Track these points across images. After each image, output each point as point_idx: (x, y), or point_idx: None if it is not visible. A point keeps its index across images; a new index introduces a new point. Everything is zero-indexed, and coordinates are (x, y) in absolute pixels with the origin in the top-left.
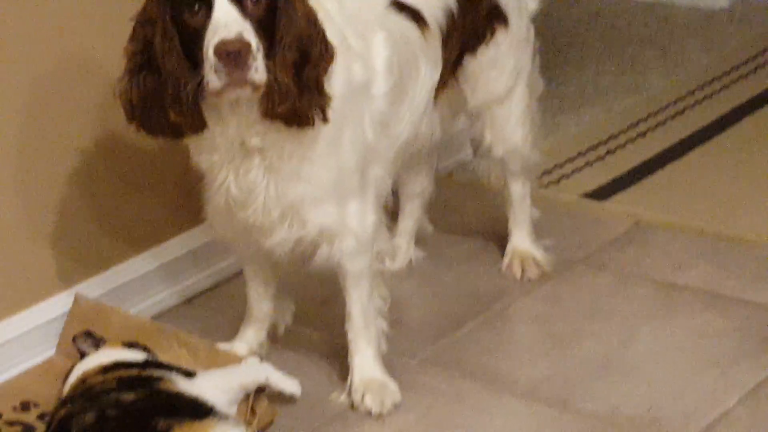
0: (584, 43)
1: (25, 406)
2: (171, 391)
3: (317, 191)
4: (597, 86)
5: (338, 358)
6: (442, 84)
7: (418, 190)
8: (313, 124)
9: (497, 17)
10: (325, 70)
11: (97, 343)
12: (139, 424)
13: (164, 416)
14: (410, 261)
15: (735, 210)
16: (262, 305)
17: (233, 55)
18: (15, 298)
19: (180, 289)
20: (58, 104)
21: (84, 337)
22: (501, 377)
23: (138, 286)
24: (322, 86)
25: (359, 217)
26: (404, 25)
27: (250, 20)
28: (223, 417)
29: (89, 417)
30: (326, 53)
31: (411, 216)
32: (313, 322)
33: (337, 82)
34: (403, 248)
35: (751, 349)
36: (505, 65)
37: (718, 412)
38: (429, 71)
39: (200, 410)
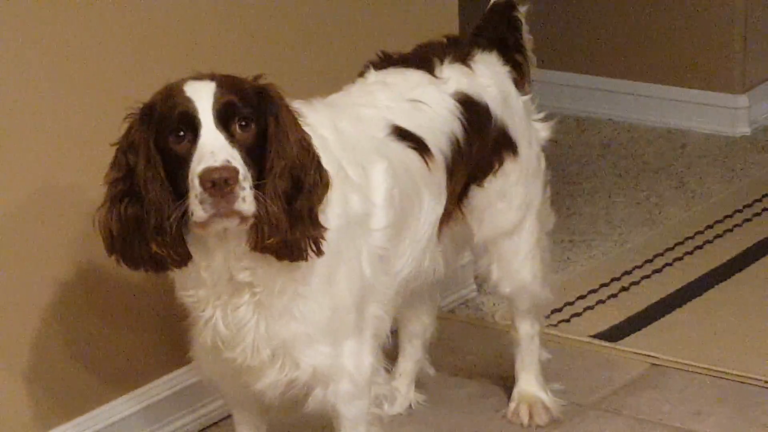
0: (596, 173)
1: None
2: None
3: (311, 330)
4: (610, 218)
5: None
6: (447, 217)
7: (419, 329)
8: (306, 258)
9: (506, 146)
10: (320, 200)
11: None
12: None
13: None
14: (410, 405)
15: (758, 351)
16: None
17: (220, 184)
18: None
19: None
20: (36, 233)
21: None
22: None
23: (119, 431)
24: (316, 217)
25: (356, 358)
26: (406, 154)
27: (239, 147)
28: None
29: None
30: (321, 182)
31: (411, 357)
32: None
33: (332, 213)
34: (403, 391)
35: None
36: (513, 197)
37: None
38: (432, 204)
39: None
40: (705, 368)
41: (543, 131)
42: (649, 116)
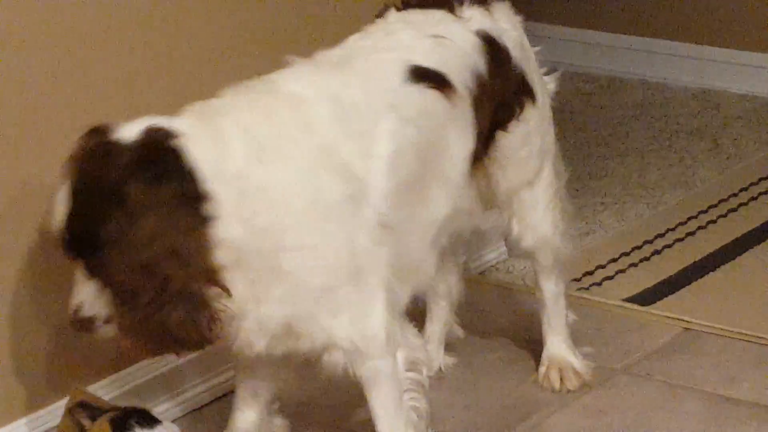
0: (629, 134)
1: None
2: None
3: (302, 312)
4: (642, 180)
5: None
6: (478, 159)
7: (444, 290)
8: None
9: (526, 92)
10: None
11: (94, 414)
12: None
13: None
14: (440, 368)
15: None
16: (246, 417)
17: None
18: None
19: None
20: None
21: (79, 408)
22: None
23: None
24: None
25: (357, 324)
26: (424, 97)
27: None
28: None
29: None
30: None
31: (439, 320)
32: None
33: (298, 205)
34: (432, 354)
35: None
36: (534, 143)
37: None
38: (461, 141)
39: None
40: (739, 333)
41: (551, 83)
42: (683, 76)
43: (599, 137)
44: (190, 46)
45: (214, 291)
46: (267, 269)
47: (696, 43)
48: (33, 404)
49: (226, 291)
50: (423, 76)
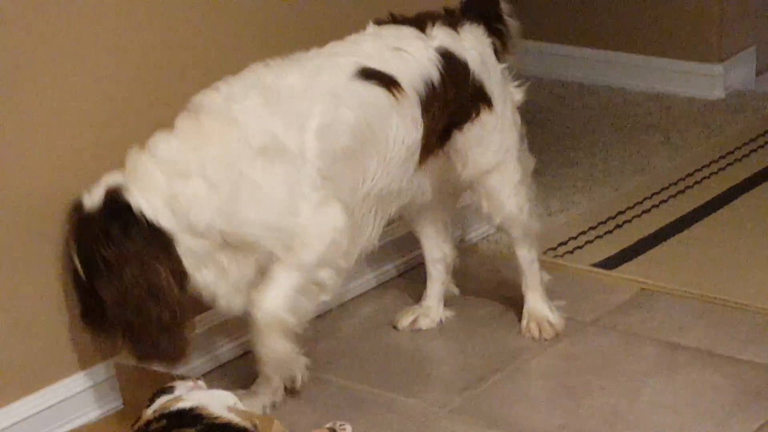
0: (595, 131)
1: None
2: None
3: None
4: (607, 168)
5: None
6: (430, 151)
7: (440, 256)
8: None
9: (482, 99)
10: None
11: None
12: None
13: None
14: (440, 320)
15: (731, 278)
16: None
17: None
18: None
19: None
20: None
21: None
22: (520, 426)
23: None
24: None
25: (316, 223)
26: (367, 90)
27: None
28: None
29: None
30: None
31: (437, 280)
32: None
33: (250, 147)
34: (434, 308)
35: (744, 403)
36: (490, 143)
37: None
38: (402, 130)
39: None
40: (686, 291)
41: (518, 94)
42: (640, 83)
43: (571, 133)
44: (192, 45)
45: (186, 314)
46: (230, 254)
47: (651, 55)
48: (84, 362)
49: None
50: (371, 75)
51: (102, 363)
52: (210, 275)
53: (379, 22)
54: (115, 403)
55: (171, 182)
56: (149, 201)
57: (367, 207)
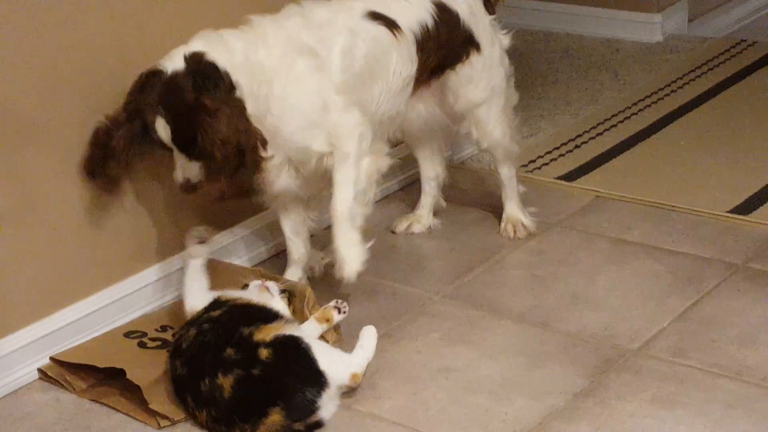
0: (558, 69)
1: (163, 329)
2: (244, 304)
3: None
4: (567, 100)
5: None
6: (424, 82)
7: (432, 174)
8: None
9: (471, 44)
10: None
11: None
12: (229, 332)
13: (245, 325)
14: (429, 227)
15: (668, 186)
16: (297, 248)
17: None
18: (159, 248)
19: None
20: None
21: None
22: (499, 307)
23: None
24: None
25: (342, 122)
26: (375, 28)
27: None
28: (289, 320)
29: (192, 332)
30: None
31: (429, 194)
32: None
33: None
34: (425, 216)
35: (679, 286)
36: (479, 81)
37: (655, 330)
38: (401, 64)
39: (267, 315)
40: (632, 197)
41: (505, 40)
42: (594, 30)
43: (539, 72)
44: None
45: (263, 153)
46: (273, 121)
47: (602, 7)
48: (161, 254)
49: (269, 157)
50: (377, 17)
51: (156, 264)
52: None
53: None
54: (168, 297)
55: (246, 52)
56: (228, 62)
57: (374, 119)
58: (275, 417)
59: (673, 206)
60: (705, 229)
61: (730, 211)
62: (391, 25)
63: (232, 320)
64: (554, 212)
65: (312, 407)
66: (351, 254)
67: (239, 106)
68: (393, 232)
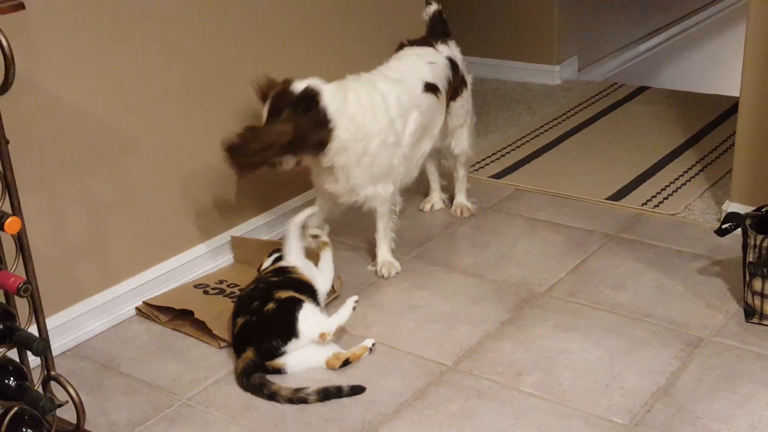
0: (489, 104)
1: (220, 282)
2: (295, 277)
3: (363, 182)
4: (497, 124)
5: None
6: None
7: (434, 172)
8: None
9: (464, 83)
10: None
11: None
12: (266, 293)
13: (280, 289)
14: (443, 202)
15: (566, 182)
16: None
17: None
18: (221, 223)
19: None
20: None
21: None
22: (450, 264)
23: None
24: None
25: (383, 190)
26: (429, 98)
27: None
28: (312, 292)
29: (251, 286)
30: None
31: (436, 182)
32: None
33: (378, 138)
34: (437, 198)
35: (572, 250)
36: (464, 107)
37: (556, 279)
38: (440, 116)
39: (303, 287)
40: (540, 190)
41: (470, 78)
42: (513, 76)
43: (476, 105)
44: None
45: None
46: (358, 159)
47: (519, 60)
48: (208, 234)
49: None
50: (429, 87)
51: (214, 237)
52: (342, 160)
53: (407, 44)
54: (220, 261)
55: (351, 103)
56: (334, 104)
57: (417, 164)
58: (249, 353)
59: (568, 195)
60: (590, 211)
61: (607, 198)
62: (435, 90)
63: (278, 285)
64: (487, 200)
65: (275, 352)
66: (387, 262)
67: (315, 129)
68: (421, 210)
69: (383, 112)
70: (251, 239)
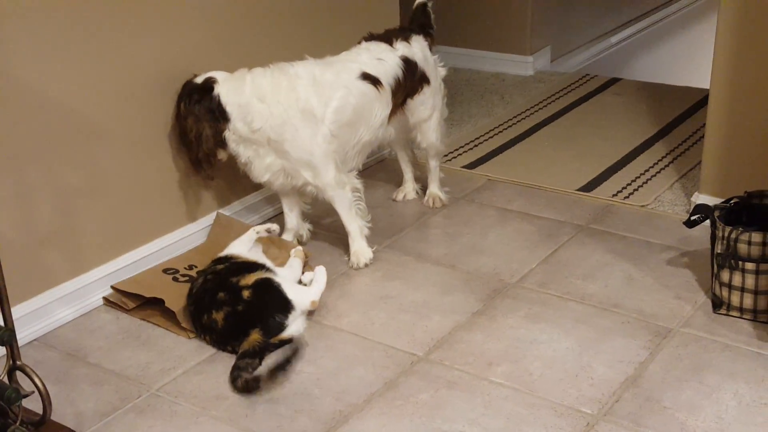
0: (462, 94)
1: (190, 267)
2: (241, 261)
3: (298, 166)
4: (469, 114)
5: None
6: (394, 113)
7: (407, 160)
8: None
9: (424, 80)
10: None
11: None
12: (223, 282)
13: (234, 275)
14: (417, 192)
15: (537, 173)
16: (290, 220)
17: None
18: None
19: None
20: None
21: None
22: (422, 254)
23: (253, 207)
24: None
25: (324, 174)
26: (365, 86)
27: None
28: (268, 269)
29: (200, 280)
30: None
31: (409, 172)
32: (326, 228)
33: (296, 110)
34: (410, 185)
35: (543, 240)
36: (427, 104)
37: (527, 269)
38: (381, 109)
39: (254, 267)
40: (513, 180)
41: (442, 71)
42: (487, 67)
43: (450, 96)
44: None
45: (218, 152)
46: (265, 145)
47: (493, 51)
48: (179, 222)
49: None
50: (367, 77)
51: (185, 226)
52: (247, 153)
53: (367, 38)
54: (192, 246)
55: (251, 96)
56: (228, 95)
57: (355, 150)
58: (255, 336)
59: (539, 186)
60: (561, 202)
61: (578, 190)
62: (376, 82)
63: (228, 273)
64: (460, 190)
65: (281, 326)
66: (360, 253)
67: (211, 122)
68: (394, 200)
69: (288, 91)
70: (236, 220)
